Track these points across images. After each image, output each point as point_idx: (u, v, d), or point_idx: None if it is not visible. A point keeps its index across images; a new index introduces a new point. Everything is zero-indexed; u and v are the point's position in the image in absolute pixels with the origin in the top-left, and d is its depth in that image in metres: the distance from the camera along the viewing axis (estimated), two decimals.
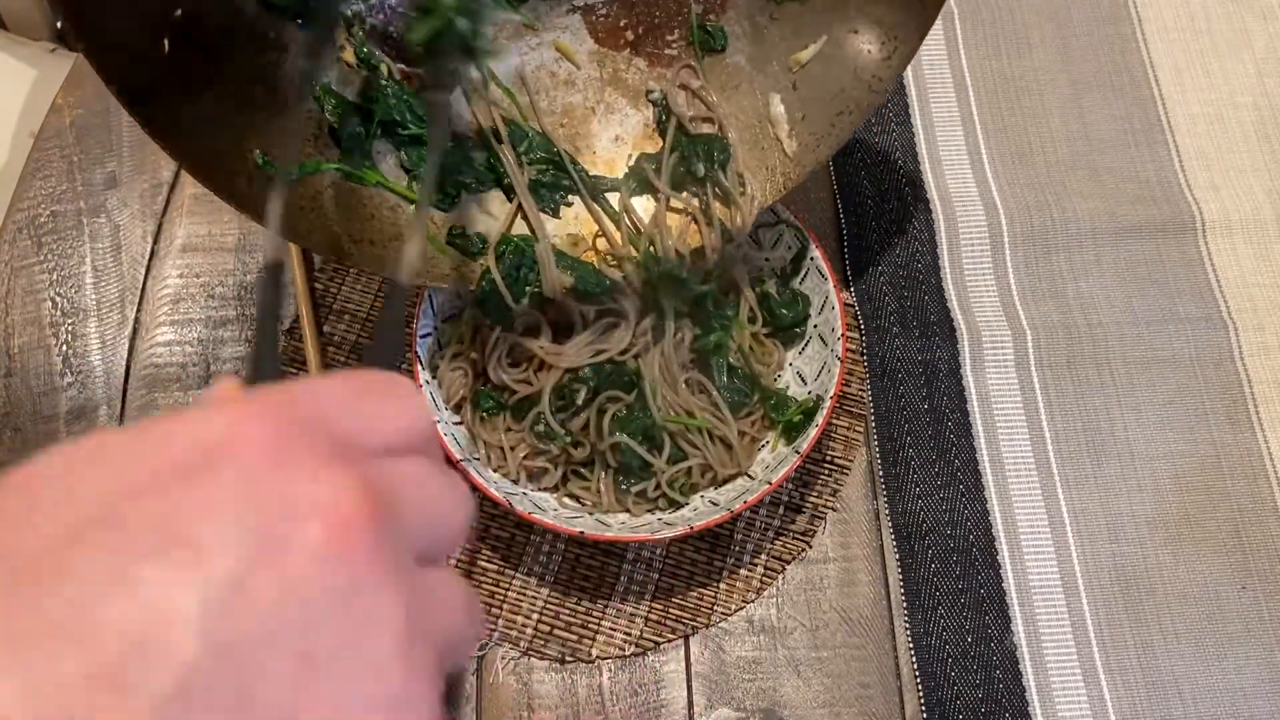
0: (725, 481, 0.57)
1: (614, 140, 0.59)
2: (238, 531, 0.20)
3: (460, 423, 0.57)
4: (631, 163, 0.59)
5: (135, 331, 0.64)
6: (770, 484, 0.53)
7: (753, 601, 0.58)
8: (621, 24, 0.59)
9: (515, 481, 0.56)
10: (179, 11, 0.47)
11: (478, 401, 0.57)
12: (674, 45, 0.59)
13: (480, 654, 0.56)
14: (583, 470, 0.57)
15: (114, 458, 0.21)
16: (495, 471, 0.56)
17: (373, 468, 0.22)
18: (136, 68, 0.46)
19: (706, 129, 0.58)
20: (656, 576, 0.58)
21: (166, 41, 0.47)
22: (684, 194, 0.58)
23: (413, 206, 0.55)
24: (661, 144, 0.58)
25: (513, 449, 0.57)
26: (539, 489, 0.56)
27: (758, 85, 0.58)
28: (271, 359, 0.33)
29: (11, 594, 0.19)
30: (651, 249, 0.56)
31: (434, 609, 0.23)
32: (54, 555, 0.19)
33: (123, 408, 0.62)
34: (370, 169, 0.54)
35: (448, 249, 0.55)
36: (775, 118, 0.57)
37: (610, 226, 0.57)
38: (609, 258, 0.57)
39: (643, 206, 0.58)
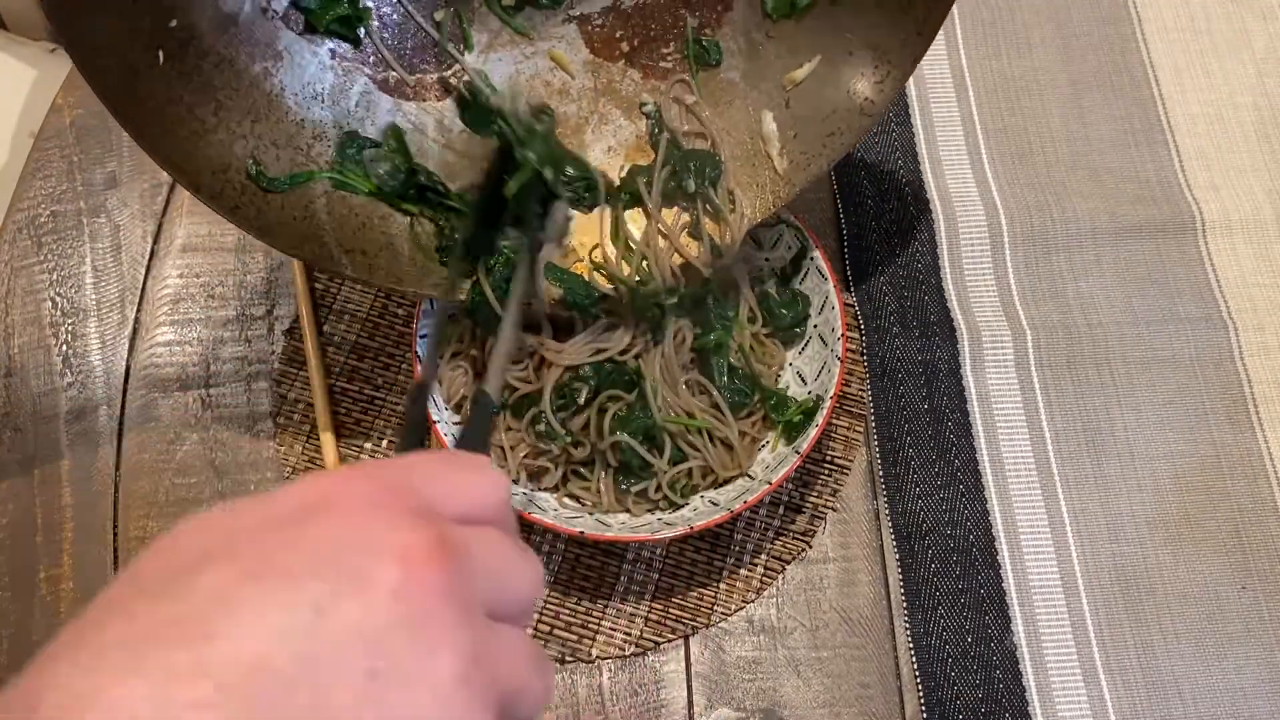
0: (725, 482, 0.57)
1: (606, 151, 0.60)
2: (328, 565, 0.24)
3: (460, 422, 0.57)
4: (624, 174, 0.59)
5: (135, 331, 0.64)
6: (770, 484, 0.53)
7: (753, 601, 0.58)
8: (617, 35, 0.59)
9: (515, 481, 0.56)
10: (174, 22, 0.47)
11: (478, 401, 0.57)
12: (669, 58, 0.59)
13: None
14: (583, 470, 0.57)
15: (233, 514, 0.25)
16: None
17: (450, 527, 0.26)
18: (128, 78, 0.46)
19: (699, 144, 0.58)
20: (656, 576, 0.58)
21: (161, 52, 0.47)
22: (674, 209, 0.58)
23: (404, 217, 0.55)
24: (654, 156, 0.59)
25: (513, 448, 0.57)
26: (539, 489, 0.56)
27: (751, 102, 0.58)
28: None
29: (137, 606, 0.23)
30: (644, 266, 0.56)
31: (500, 656, 0.26)
32: (176, 579, 0.23)
33: (123, 408, 0.62)
34: (363, 178, 0.54)
35: (435, 256, 0.56)
36: (767, 135, 0.57)
37: (608, 246, 0.58)
38: (600, 272, 0.57)
39: (633, 220, 0.58)
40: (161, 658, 0.22)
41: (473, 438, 0.42)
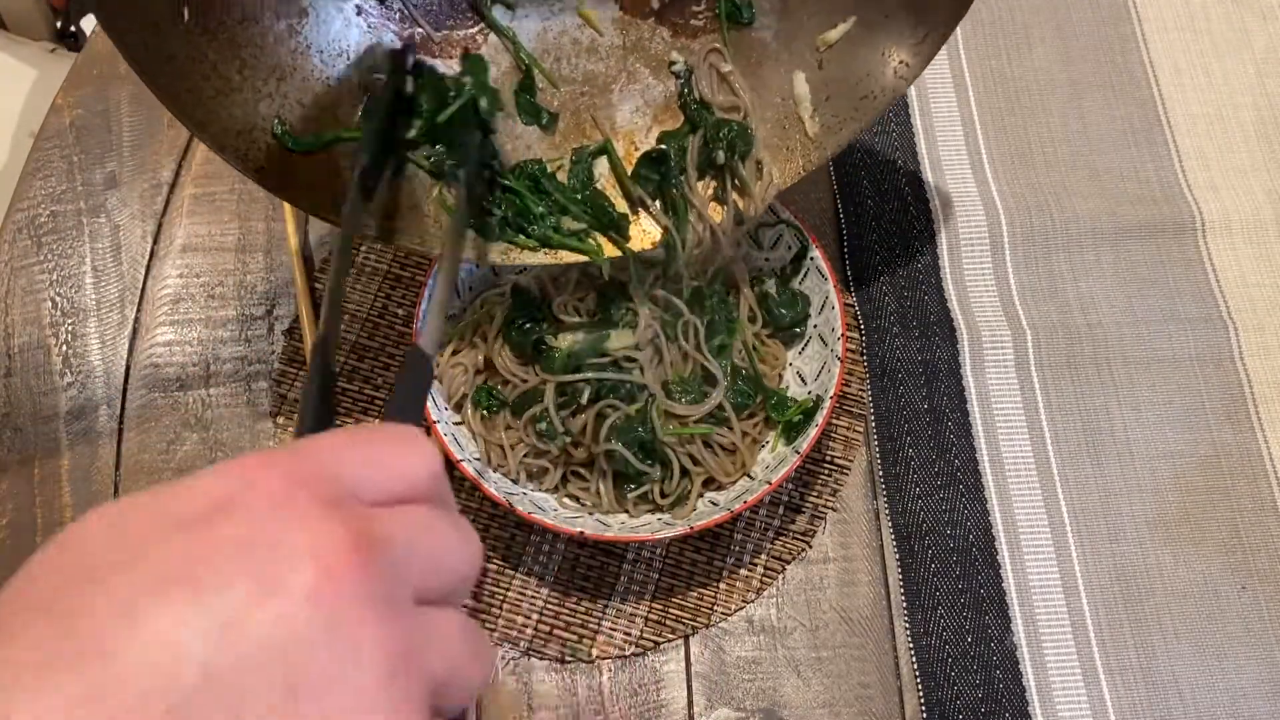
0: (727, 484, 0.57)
1: (634, 111, 0.59)
2: (235, 573, 0.22)
3: (460, 423, 0.57)
4: (653, 138, 0.58)
5: (135, 331, 0.64)
6: (770, 484, 0.53)
7: (753, 601, 0.58)
8: None
9: (515, 481, 0.56)
10: None
11: (478, 400, 0.57)
12: (700, 16, 0.58)
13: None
14: (582, 471, 0.57)
15: (139, 511, 0.24)
16: (495, 471, 0.56)
17: (367, 516, 0.24)
18: (152, 36, 0.46)
19: (732, 116, 0.58)
20: (656, 576, 0.58)
21: (185, 9, 0.47)
22: (704, 180, 0.57)
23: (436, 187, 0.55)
24: (681, 120, 0.58)
25: (513, 448, 0.57)
26: (539, 489, 0.56)
27: (783, 62, 0.57)
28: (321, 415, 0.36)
29: (41, 624, 0.21)
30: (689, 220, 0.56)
31: (430, 647, 0.24)
32: (75, 593, 0.22)
33: (122, 408, 0.62)
34: None
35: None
36: (799, 96, 0.56)
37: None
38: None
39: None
40: (55, 681, 0.20)
41: (406, 403, 0.38)
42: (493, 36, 0.57)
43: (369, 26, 0.53)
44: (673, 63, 0.58)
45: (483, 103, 0.52)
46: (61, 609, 0.22)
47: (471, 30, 0.56)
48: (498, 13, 0.57)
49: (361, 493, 0.25)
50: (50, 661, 0.21)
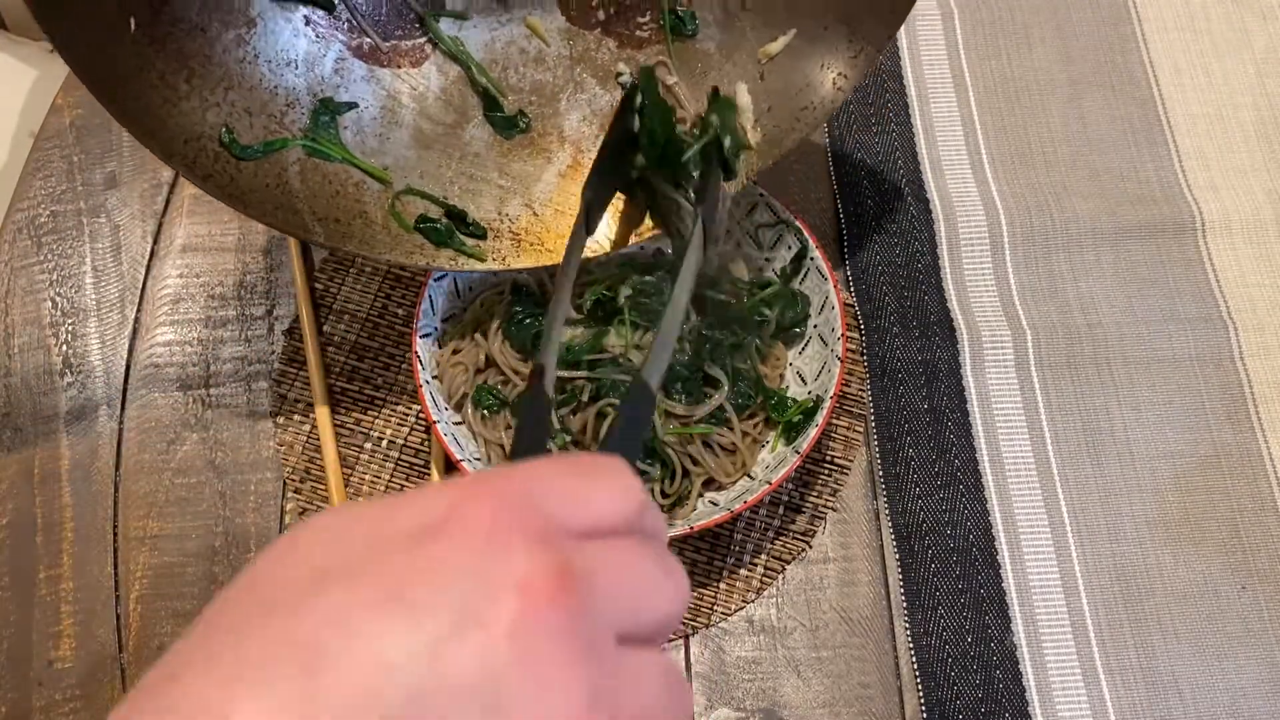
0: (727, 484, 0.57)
1: (581, 120, 0.60)
2: (447, 599, 0.23)
3: (461, 422, 0.57)
4: (598, 144, 0.59)
5: (135, 331, 0.64)
6: (770, 484, 0.53)
7: (753, 601, 0.58)
8: (594, 3, 0.59)
9: None
10: None
11: (479, 399, 0.57)
12: (645, 28, 0.59)
13: None
14: None
15: (361, 524, 0.25)
16: None
17: (575, 551, 0.24)
18: (99, 47, 0.46)
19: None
20: None
21: (132, 20, 0.47)
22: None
23: (379, 184, 0.56)
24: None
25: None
26: None
27: (726, 74, 0.58)
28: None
29: (261, 622, 0.23)
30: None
31: (627, 690, 0.25)
32: (298, 597, 0.23)
33: (122, 408, 0.62)
34: (335, 144, 0.54)
35: (410, 226, 0.56)
36: (742, 107, 0.57)
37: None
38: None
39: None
40: (271, 684, 0.22)
41: (625, 435, 0.38)
42: (442, 47, 0.57)
43: (317, 36, 0.54)
44: (619, 73, 0.59)
45: (726, 142, 0.54)
46: (284, 610, 0.23)
47: (420, 40, 0.57)
48: (445, 24, 0.57)
49: (570, 524, 0.25)
50: (270, 662, 0.22)
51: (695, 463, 0.56)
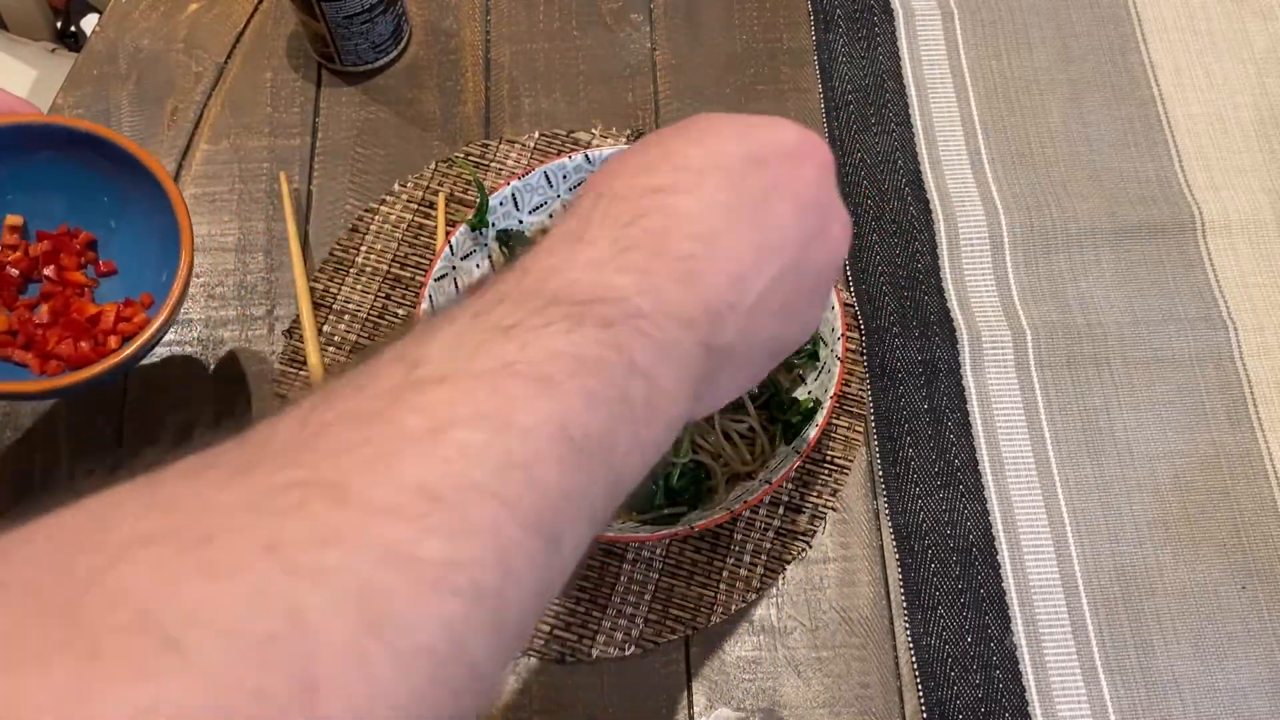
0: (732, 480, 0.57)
1: None
2: (819, 208, 0.37)
3: None
4: None
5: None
6: (770, 484, 0.53)
7: (753, 601, 0.58)
8: None
9: None
10: None
11: None
12: None
13: None
14: None
15: (757, 130, 0.36)
16: None
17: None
18: None
19: None
20: (656, 576, 0.58)
21: None
22: None
23: None
24: None
25: None
26: None
27: None
28: None
29: (723, 178, 0.34)
30: None
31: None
32: (738, 168, 0.35)
33: (122, 409, 0.62)
34: None
35: None
36: None
37: None
38: None
39: None
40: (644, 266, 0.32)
41: None
42: None
43: None
44: None
45: None
46: (734, 177, 0.35)
47: None
48: None
49: None
50: (706, 171, 0.34)
51: (716, 457, 0.56)
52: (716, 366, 0.33)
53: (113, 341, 0.56)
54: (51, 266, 0.58)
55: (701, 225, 0.33)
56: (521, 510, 0.25)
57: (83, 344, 0.56)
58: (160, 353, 0.63)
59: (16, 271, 0.57)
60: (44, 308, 0.57)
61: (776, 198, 0.35)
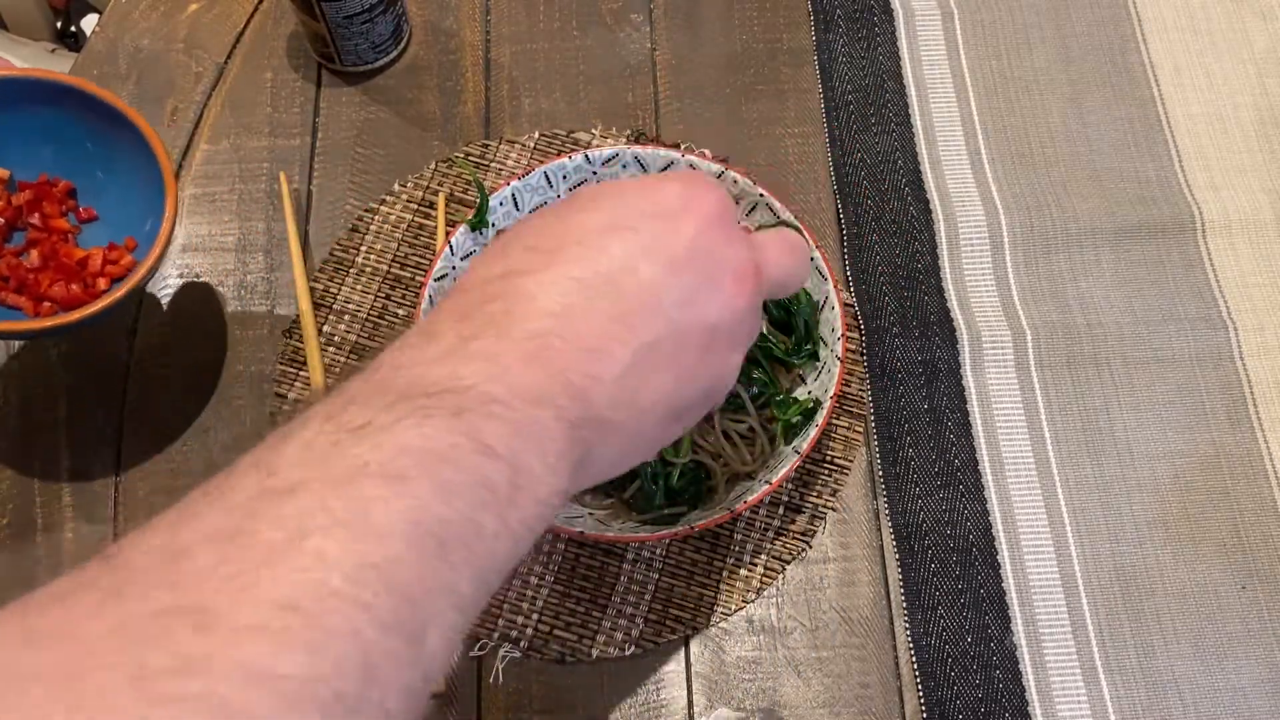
0: (733, 480, 0.57)
1: None
2: (698, 264, 0.36)
3: None
4: None
5: (135, 331, 0.64)
6: (770, 484, 0.53)
7: (753, 601, 0.58)
8: None
9: None
10: None
11: None
12: None
13: (481, 654, 0.56)
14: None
15: (628, 195, 0.37)
16: None
17: (754, 242, 0.39)
18: None
19: None
20: (656, 576, 0.58)
21: None
22: None
23: None
24: None
25: None
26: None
27: None
28: None
29: (578, 251, 0.35)
30: None
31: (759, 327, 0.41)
32: (598, 238, 0.35)
33: (122, 408, 0.62)
34: None
35: None
36: None
37: None
38: None
39: None
40: (565, 262, 0.34)
41: None
42: None
43: None
44: None
45: None
46: (593, 249, 0.35)
47: None
48: None
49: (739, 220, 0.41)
50: (559, 249, 0.35)
51: (716, 457, 0.56)
52: (595, 437, 0.33)
53: (102, 283, 0.59)
54: (36, 214, 0.60)
55: (550, 302, 0.33)
56: (380, 612, 0.26)
57: (73, 286, 0.58)
58: (160, 351, 0.63)
59: (2, 220, 0.60)
60: (33, 253, 0.59)
61: (642, 263, 0.34)
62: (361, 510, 0.27)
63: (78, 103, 0.57)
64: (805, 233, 0.59)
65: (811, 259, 0.59)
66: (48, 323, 0.54)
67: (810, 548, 0.59)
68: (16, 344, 0.63)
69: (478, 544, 0.28)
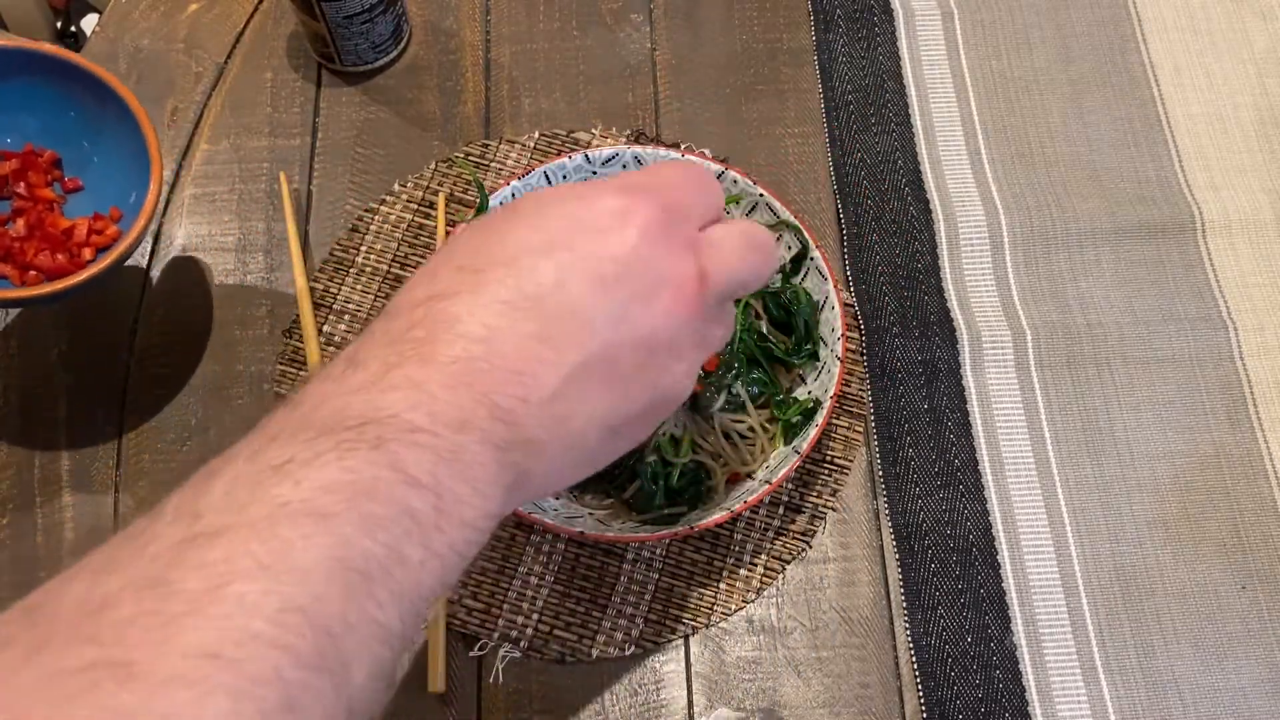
0: (732, 481, 0.57)
1: None
2: (630, 279, 0.34)
3: None
4: None
5: (135, 331, 0.64)
6: (770, 484, 0.53)
7: (753, 601, 0.58)
8: None
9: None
10: None
11: None
12: None
13: (481, 654, 0.56)
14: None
15: (567, 206, 0.36)
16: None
17: (701, 247, 0.37)
18: None
19: None
20: (656, 576, 0.58)
21: None
22: None
23: None
24: None
25: None
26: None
27: None
28: None
29: (503, 272, 0.34)
30: None
31: (722, 331, 0.39)
32: (525, 257, 0.34)
33: (123, 405, 0.62)
34: None
35: None
36: None
37: None
38: None
39: None
40: (493, 284, 0.33)
41: None
42: None
43: None
44: None
45: None
46: (519, 269, 0.34)
47: None
48: None
49: (695, 222, 0.37)
50: (486, 269, 0.34)
51: (716, 457, 0.56)
52: (527, 459, 0.33)
53: (87, 253, 0.59)
54: (21, 184, 0.60)
55: (474, 326, 0.32)
56: (303, 652, 0.26)
57: (59, 256, 0.58)
58: (160, 351, 0.63)
59: None
60: (19, 222, 0.59)
61: (572, 281, 0.34)
62: (283, 552, 0.27)
63: (64, 74, 0.58)
64: (805, 231, 0.59)
65: (811, 259, 0.59)
66: (33, 291, 0.54)
67: (810, 548, 0.59)
68: (16, 344, 0.63)
69: (403, 574, 0.29)
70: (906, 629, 0.57)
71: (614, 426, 0.36)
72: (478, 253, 0.34)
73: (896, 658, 0.56)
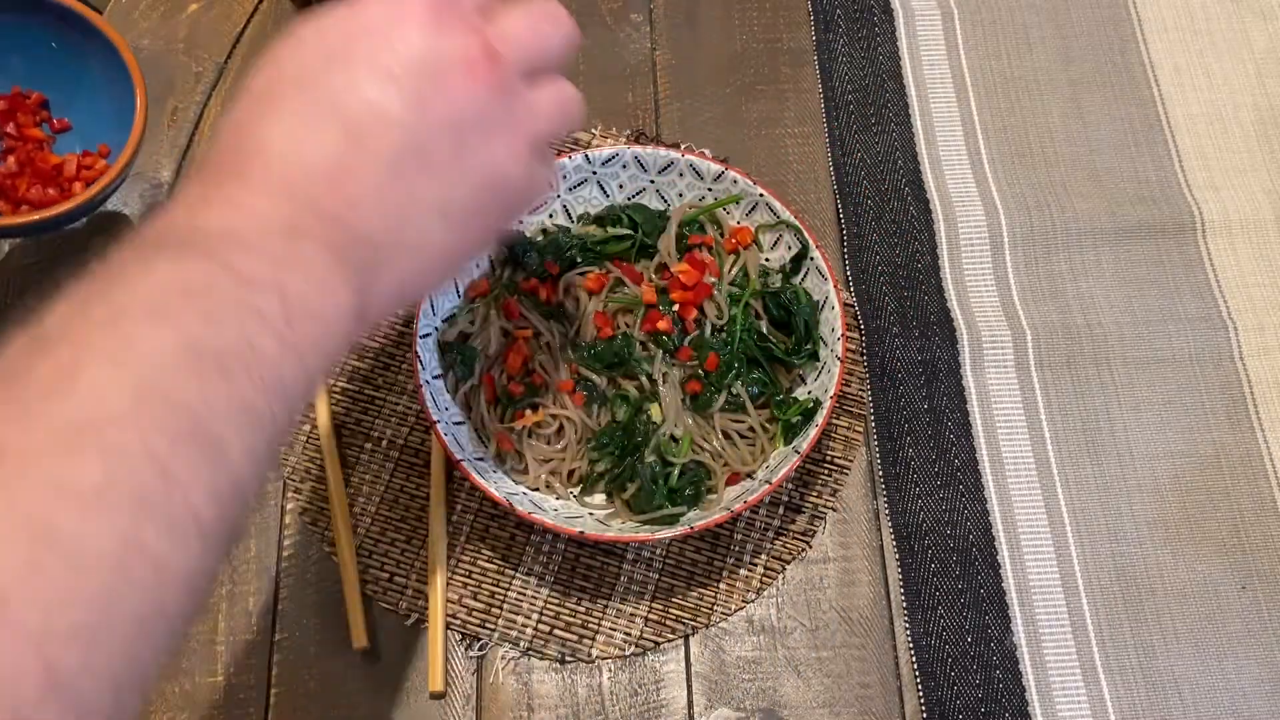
0: (732, 480, 0.57)
1: None
2: (417, 67, 0.36)
3: (461, 422, 0.57)
4: None
5: None
6: (770, 484, 0.53)
7: (753, 601, 0.58)
8: None
9: (536, 490, 0.57)
10: None
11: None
12: None
13: (481, 654, 0.56)
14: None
15: (338, 23, 0.37)
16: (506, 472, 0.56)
17: (489, 28, 0.38)
18: None
19: None
20: (656, 576, 0.58)
21: None
22: None
23: None
24: None
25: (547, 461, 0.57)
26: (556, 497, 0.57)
27: None
28: None
29: (295, 90, 0.36)
30: None
31: (537, 110, 0.41)
32: (313, 74, 0.36)
33: None
34: None
35: None
36: None
37: None
38: None
39: None
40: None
41: None
42: None
43: None
44: None
45: None
46: (305, 83, 0.36)
47: None
48: None
49: (466, 3, 0.38)
50: (279, 92, 0.36)
51: (716, 457, 0.56)
52: (373, 255, 0.35)
53: (77, 188, 0.61)
54: (11, 124, 0.62)
55: (280, 143, 0.34)
56: (168, 427, 0.28)
57: (50, 190, 0.60)
58: None
59: None
60: (10, 159, 0.61)
61: (363, 82, 0.35)
62: (128, 343, 0.28)
63: (48, 13, 0.59)
64: (805, 231, 0.59)
65: (811, 258, 0.59)
66: (23, 219, 0.56)
67: (810, 548, 0.59)
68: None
69: (260, 364, 0.30)
70: (906, 629, 0.57)
71: (453, 216, 0.38)
72: (270, 81, 0.36)
73: (896, 658, 0.56)
